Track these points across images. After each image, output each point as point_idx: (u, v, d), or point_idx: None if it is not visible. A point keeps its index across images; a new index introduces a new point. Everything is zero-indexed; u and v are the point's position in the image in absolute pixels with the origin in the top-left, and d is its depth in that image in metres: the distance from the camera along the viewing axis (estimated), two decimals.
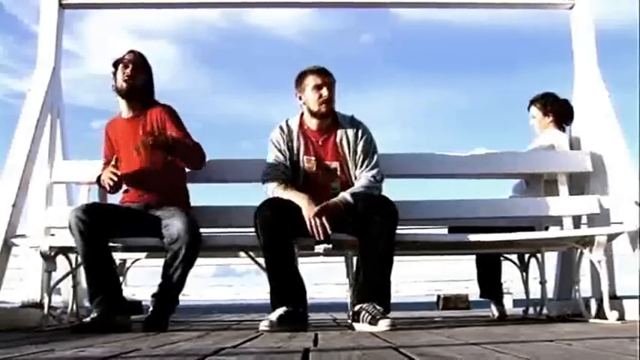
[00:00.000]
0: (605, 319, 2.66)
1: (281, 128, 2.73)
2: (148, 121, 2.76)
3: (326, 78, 2.66)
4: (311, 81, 2.67)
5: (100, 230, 2.53)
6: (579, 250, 2.82)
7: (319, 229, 2.44)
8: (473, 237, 2.72)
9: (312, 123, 2.72)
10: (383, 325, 2.22)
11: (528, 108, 3.47)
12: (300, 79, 2.71)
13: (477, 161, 3.24)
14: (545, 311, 3.14)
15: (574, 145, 3.29)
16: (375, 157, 2.69)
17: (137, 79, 2.75)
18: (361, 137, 2.68)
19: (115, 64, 2.77)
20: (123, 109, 2.82)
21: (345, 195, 2.55)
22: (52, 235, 3.00)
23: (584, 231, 2.99)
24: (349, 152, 2.67)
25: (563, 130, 3.39)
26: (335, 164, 2.69)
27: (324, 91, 2.64)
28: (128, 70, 2.73)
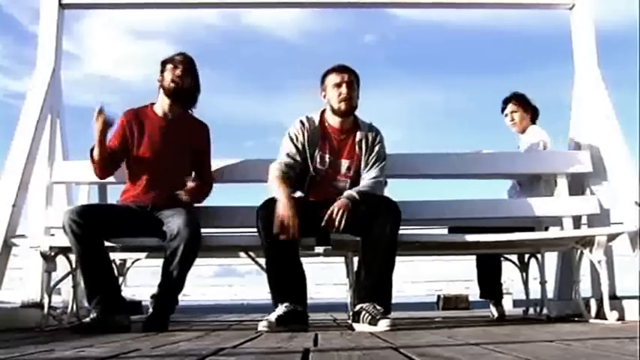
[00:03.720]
0: (605, 319, 2.66)
1: (301, 122, 2.73)
2: (189, 134, 2.83)
3: (345, 76, 2.68)
4: (331, 79, 2.70)
5: (95, 231, 2.53)
6: (579, 251, 2.82)
7: (284, 232, 2.40)
8: (473, 237, 2.72)
9: (334, 121, 2.74)
10: (383, 325, 2.22)
11: (503, 109, 3.51)
12: (323, 78, 2.75)
13: (477, 161, 3.25)
14: (545, 311, 3.14)
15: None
16: (384, 163, 2.72)
17: (185, 82, 2.79)
18: (377, 143, 2.73)
19: (163, 64, 2.81)
20: (161, 106, 2.84)
21: (352, 192, 2.56)
22: (52, 235, 3.00)
23: (584, 231, 2.99)
24: (364, 154, 2.70)
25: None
26: (349, 162, 2.72)
27: (343, 89, 2.67)
28: (178, 71, 2.77)
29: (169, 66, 2.80)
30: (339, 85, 2.67)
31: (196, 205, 2.90)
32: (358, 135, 2.72)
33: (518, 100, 3.47)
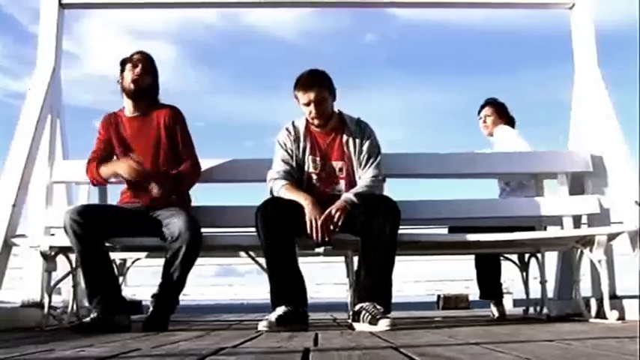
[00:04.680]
0: (605, 318, 2.66)
1: (287, 130, 2.74)
2: (156, 123, 2.79)
3: (311, 95, 2.61)
4: (300, 97, 2.66)
5: (96, 231, 2.53)
6: (579, 250, 2.82)
7: (319, 233, 2.45)
8: (472, 237, 2.72)
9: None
10: (383, 324, 2.22)
11: (479, 112, 3.60)
12: (294, 91, 2.68)
13: (477, 161, 3.25)
14: (545, 311, 3.14)
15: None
16: (378, 158, 2.71)
17: (145, 80, 2.78)
18: (367, 138, 2.71)
19: (122, 63, 2.80)
20: (127, 107, 2.83)
21: (349, 195, 2.56)
22: (52, 235, 3.00)
23: (584, 231, 2.99)
24: (355, 152, 2.69)
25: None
26: (340, 164, 2.71)
27: (312, 108, 2.64)
28: (137, 70, 2.76)
29: (128, 66, 2.78)
30: (307, 105, 2.64)
31: (196, 204, 2.91)
32: (345, 135, 2.71)
33: (495, 106, 3.56)
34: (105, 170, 2.76)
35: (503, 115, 3.54)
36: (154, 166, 2.73)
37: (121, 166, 2.66)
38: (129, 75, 2.76)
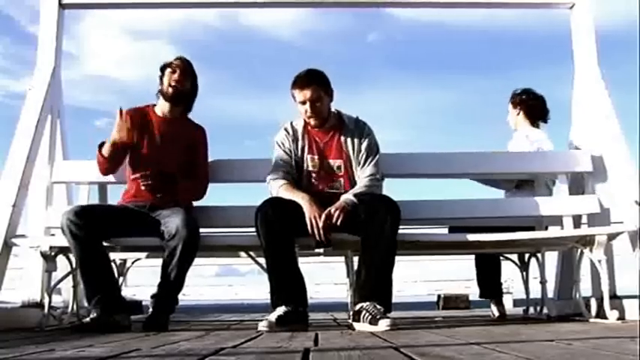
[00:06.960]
0: (606, 318, 2.66)
1: (286, 130, 2.75)
2: (187, 137, 2.85)
3: (307, 93, 2.63)
4: (296, 96, 2.68)
5: (93, 231, 2.53)
6: (579, 250, 2.82)
7: (321, 232, 2.45)
8: (473, 237, 2.72)
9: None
10: (383, 324, 2.22)
11: None
12: (291, 90, 2.70)
13: (477, 161, 3.25)
14: (545, 311, 3.14)
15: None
16: (377, 157, 2.71)
17: (184, 85, 2.82)
18: (365, 137, 2.72)
19: (162, 69, 2.84)
20: (161, 109, 2.86)
21: (349, 196, 2.56)
22: (52, 235, 3.00)
23: (584, 231, 2.99)
24: (353, 151, 2.70)
25: (537, 126, 3.45)
26: (339, 162, 2.71)
27: (307, 107, 2.65)
28: (176, 75, 2.80)
29: (168, 70, 2.82)
30: (303, 103, 2.66)
31: (196, 204, 2.91)
32: (343, 134, 2.72)
33: (514, 102, 3.50)
34: (105, 147, 2.75)
35: (516, 105, 3.46)
36: (172, 172, 2.74)
37: (112, 134, 2.67)
38: (167, 79, 2.80)
